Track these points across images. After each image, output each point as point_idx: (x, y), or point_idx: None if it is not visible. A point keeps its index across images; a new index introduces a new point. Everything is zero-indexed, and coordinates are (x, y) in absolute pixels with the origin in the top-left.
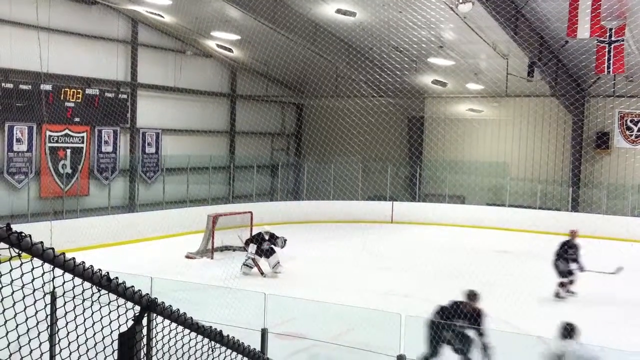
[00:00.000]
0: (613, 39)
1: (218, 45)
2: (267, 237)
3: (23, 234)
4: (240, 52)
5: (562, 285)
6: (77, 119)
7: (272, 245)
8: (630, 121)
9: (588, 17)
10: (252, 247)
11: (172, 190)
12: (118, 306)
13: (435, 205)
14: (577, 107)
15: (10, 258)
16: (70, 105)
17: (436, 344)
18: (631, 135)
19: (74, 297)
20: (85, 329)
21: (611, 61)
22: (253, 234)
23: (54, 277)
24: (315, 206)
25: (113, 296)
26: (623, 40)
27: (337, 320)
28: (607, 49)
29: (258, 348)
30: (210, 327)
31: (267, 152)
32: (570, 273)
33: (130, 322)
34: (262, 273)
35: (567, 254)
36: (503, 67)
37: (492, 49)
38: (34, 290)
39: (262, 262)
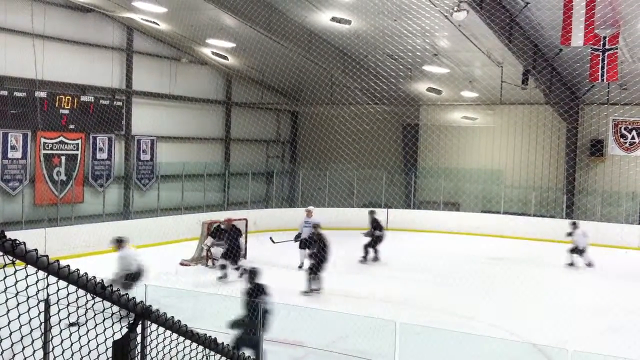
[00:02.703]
0: (607, 47)
1: (213, 53)
2: (222, 227)
3: (17, 241)
4: (236, 60)
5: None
6: (71, 126)
7: (236, 242)
8: (625, 129)
9: (582, 25)
10: (209, 240)
11: (167, 198)
12: (112, 313)
13: (430, 212)
14: (571, 115)
15: (4, 265)
16: (65, 113)
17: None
18: (625, 143)
19: (68, 305)
20: (80, 337)
21: (605, 69)
22: (247, 241)
23: (48, 285)
24: (319, 213)
25: (107, 303)
26: (617, 48)
27: (332, 327)
28: (600, 57)
29: (253, 356)
30: (205, 334)
31: (262, 160)
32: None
33: (125, 330)
34: (212, 263)
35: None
36: (497, 75)
37: (487, 57)
38: (28, 297)
39: (215, 251)
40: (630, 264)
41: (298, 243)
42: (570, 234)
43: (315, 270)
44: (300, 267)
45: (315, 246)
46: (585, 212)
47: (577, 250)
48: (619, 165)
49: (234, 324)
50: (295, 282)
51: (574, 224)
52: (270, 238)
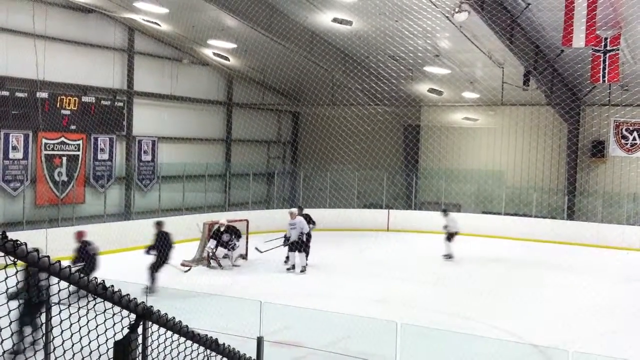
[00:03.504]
0: (608, 48)
1: (214, 54)
2: (222, 229)
3: (18, 242)
4: (237, 61)
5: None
6: (73, 127)
7: (235, 240)
8: (626, 130)
9: (583, 26)
10: (212, 242)
11: (168, 198)
12: (113, 314)
13: (431, 213)
14: (572, 116)
15: (6, 266)
16: (66, 113)
17: None
18: (626, 144)
19: (69, 305)
20: (81, 337)
21: (606, 70)
22: (248, 242)
23: (49, 285)
24: (312, 214)
25: (108, 304)
26: (618, 50)
27: (333, 328)
28: (602, 58)
29: (254, 356)
30: (206, 335)
31: (263, 160)
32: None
33: (126, 331)
34: (219, 264)
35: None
36: (499, 76)
37: (488, 58)
38: (29, 298)
39: (219, 252)
40: (631, 266)
41: (288, 246)
42: (446, 226)
43: (154, 269)
44: (289, 269)
45: (160, 244)
46: (587, 213)
47: (452, 236)
48: (620, 167)
49: (12, 296)
50: (295, 283)
51: (444, 211)
52: (256, 248)
